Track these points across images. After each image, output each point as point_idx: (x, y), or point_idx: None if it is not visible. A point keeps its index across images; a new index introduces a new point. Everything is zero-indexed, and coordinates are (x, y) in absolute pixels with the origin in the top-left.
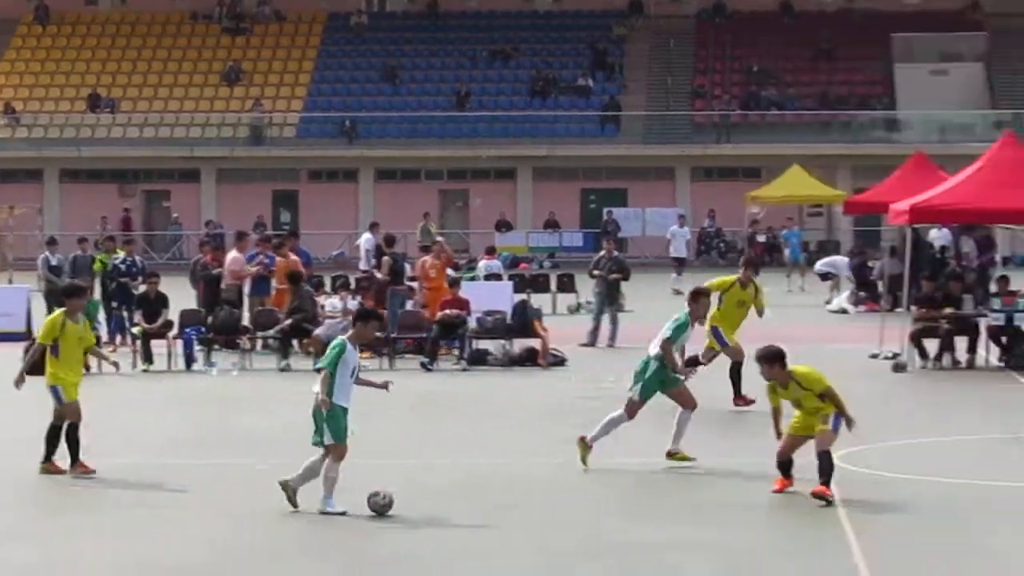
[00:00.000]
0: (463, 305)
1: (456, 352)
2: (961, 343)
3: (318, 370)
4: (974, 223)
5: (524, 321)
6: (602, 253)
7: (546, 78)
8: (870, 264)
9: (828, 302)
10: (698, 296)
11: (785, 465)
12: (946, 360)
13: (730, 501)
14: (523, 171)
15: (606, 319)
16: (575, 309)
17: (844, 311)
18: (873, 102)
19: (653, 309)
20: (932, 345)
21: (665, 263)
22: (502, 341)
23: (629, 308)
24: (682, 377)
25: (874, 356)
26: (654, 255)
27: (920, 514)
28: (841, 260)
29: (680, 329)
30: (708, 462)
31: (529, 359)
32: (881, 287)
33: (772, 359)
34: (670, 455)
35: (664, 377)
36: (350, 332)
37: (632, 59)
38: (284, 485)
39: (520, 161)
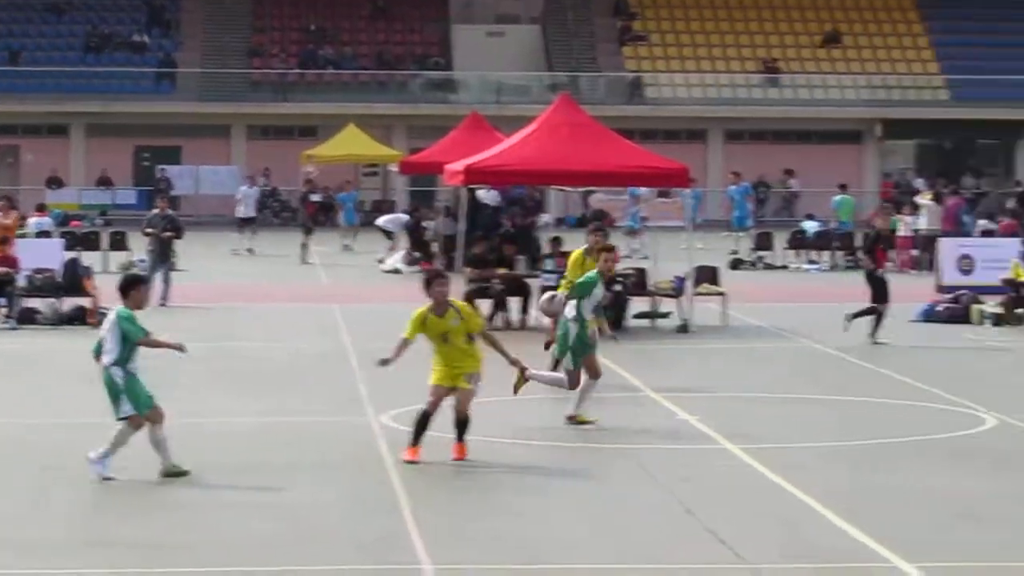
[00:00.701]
0: (11, 262)
1: (4, 310)
2: (515, 303)
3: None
4: (526, 184)
5: (74, 279)
6: (155, 211)
7: (101, 34)
8: (424, 224)
9: (380, 261)
10: (602, 252)
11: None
12: (499, 320)
13: (296, 460)
14: (76, 127)
15: (159, 277)
16: (128, 267)
17: (398, 271)
18: (430, 62)
19: (207, 268)
20: (486, 305)
21: (220, 222)
22: (52, 299)
23: (182, 267)
24: (598, 337)
25: None
26: (209, 213)
27: (471, 473)
28: (404, 218)
29: (585, 285)
30: (289, 422)
31: (79, 318)
32: (435, 247)
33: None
34: (571, 419)
35: (584, 339)
36: (127, 300)
37: (188, 16)
38: (166, 470)
39: (73, 117)
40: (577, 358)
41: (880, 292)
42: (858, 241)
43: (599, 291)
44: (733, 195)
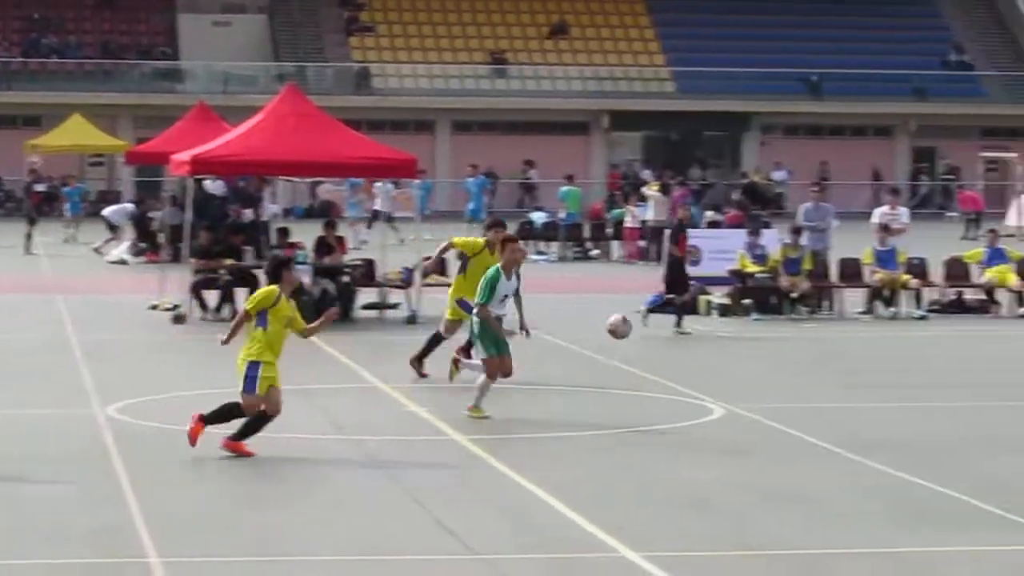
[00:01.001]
0: None
1: None
2: (242, 294)
3: None
4: (253, 174)
5: None
6: None
7: None
8: (151, 215)
9: (96, 249)
10: (507, 243)
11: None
12: (227, 311)
13: (19, 452)
14: None
15: None
16: None
17: (124, 262)
18: (156, 52)
19: None
20: (213, 296)
21: None
22: None
23: None
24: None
25: (154, 307)
26: None
27: (202, 466)
28: (130, 208)
29: (490, 285)
30: (12, 414)
31: None
32: (162, 238)
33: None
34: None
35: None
36: None
37: None
38: None
39: None
40: (503, 348)
41: (680, 281)
42: (587, 232)
43: (504, 284)
44: (470, 187)
